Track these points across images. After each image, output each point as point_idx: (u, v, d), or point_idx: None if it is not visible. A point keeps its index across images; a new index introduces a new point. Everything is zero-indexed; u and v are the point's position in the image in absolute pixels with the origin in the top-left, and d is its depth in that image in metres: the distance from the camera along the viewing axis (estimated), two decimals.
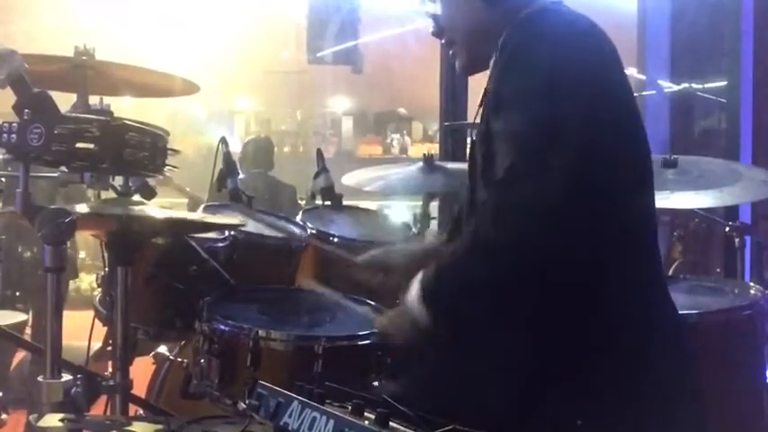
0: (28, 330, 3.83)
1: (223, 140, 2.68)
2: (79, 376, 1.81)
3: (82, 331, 2.29)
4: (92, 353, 2.41)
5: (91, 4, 8.18)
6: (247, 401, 1.28)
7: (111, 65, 2.71)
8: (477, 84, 1.77)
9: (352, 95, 11.73)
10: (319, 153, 2.92)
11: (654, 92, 6.76)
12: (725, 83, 5.56)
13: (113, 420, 1.67)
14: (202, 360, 1.95)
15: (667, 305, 1.63)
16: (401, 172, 3.01)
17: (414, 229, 2.90)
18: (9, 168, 1.75)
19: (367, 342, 1.94)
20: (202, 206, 2.80)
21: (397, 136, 11.81)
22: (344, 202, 2.88)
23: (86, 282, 8.09)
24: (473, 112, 1.75)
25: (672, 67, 6.75)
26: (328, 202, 2.84)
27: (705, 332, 2.07)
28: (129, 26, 8.20)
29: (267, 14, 9.13)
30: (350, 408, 1.14)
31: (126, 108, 2.19)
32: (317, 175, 2.85)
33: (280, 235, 2.50)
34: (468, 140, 2.71)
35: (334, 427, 1.11)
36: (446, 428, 1.13)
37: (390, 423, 1.09)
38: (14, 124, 1.63)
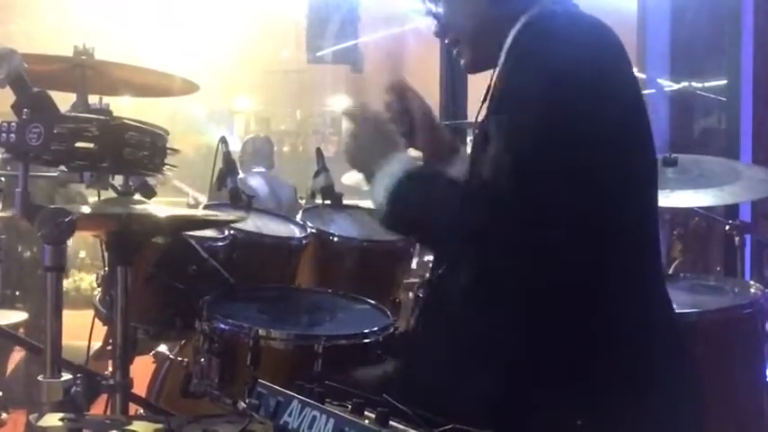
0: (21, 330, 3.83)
1: (223, 140, 2.68)
2: (79, 376, 1.80)
3: (82, 331, 2.29)
4: (92, 352, 2.40)
5: (91, 4, 8.19)
6: (247, 400, 1.28)
7: (110, 65, 2.70)
8: (478, 83, 1.77)
9: (352, 95, 11.75)
10: (319, 152, 2.92)
11: (654, 91, 6.77)
12: (725, 82, 5.56)
13: (113, 420, 1.66)
14: (202, 359, 1.95)
15: (667, 305, 1.63)
16: None
17: None
18: (8, 168, 1.74)
19: (367, 341, 1.94)
20: (202, 206, 2.80)
21: None
22: (344, 202, 2.88)
23: (86, 281, 8.10)
24: (473, 112, 1.75)
25: (672, 66, 6.75)
26: (328, 202, 2.84)
27: (705, 331, 2.07)
28: (129, 26, 8.21)
29: (267, 14, 9.14)
30: (350, 407, 1.14)
31: (126, 108, 2.19)
32: (316, 175, 2.84)
33: (279, 234, 2.50)
34: (468, 139, 2.70)
35: (335, 427, 1.11)
36: (446, 428, 1.13)
37: (390, 422, 1.09)
38: (13, 124, 1.63)
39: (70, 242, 1.70)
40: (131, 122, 1.77)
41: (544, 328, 1.46)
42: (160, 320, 2.29)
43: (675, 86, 6.80)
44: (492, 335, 1.49)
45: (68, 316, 1.72)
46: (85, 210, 1.80)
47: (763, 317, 2.14)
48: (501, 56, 1.59)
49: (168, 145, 1.89)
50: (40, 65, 2.61)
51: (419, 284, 2.16)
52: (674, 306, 2.00)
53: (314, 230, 2.57)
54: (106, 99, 1.92)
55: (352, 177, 3.02)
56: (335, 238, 2.59)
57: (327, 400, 1.18)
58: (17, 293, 4.14)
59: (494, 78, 1.63)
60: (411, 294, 2.34)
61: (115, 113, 1.82)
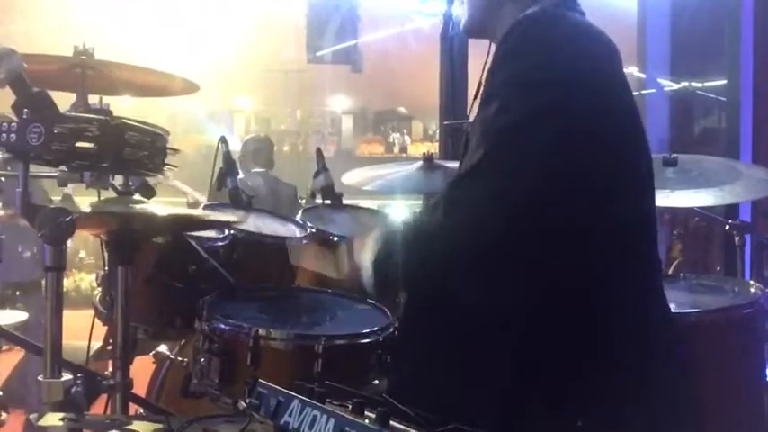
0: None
1: (223, 140, 2.68)
2: (79, 375, 1.80)
3: (82, 331, 2.29)
4: (92, 352, 2.40)
5: (91, 5, 8.19)
6: (248, 400, 1.28)
7: (110, 64, 2.70)
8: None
9: (352, 94, 11.75)
10: (319, 152, 2.92)
11: (654, 90, 6.77)
12: (725, 82, 5.57)
13: (113, 419, 1.66)
14: (202, 359, 1.95)
15: (664, 308, 1.63)
16: (401, 171, 3.01)
17: None
18: (9, 168, 1.74)
19: (367, 341, 1.94)
20: (202, 206, 2.80)
21: (397, 135, 11.82)
22: (344, 202, 2.88)
23: (86, 281, 8.10)
24: (474, 112, 1.76)
25: (672, 66, 6.75)
26: (328, 202, 2.84)
27: (705, 331, 2.07)
28: (129, 26, 8.21)
29: (267, 14, 9.13)
30: (350, 406, 1.14)
31: (126, 108, 2.18)
32: (316, 175, 2.84)
33: (279, 234, 2.50)
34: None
35: (335, 426, 1.11)
36: (446, 428, 1.13)
37: (391, 422, 1.09)
38: (14, 124, 1.63)
39: (70, 242, 1.70)
40: (131, 122, 1.76)
41: (543, 329, 1.46)
42: (160, 320, 2.29)
43: (675, 86, 6.81)
44: (491, 335, 1.49)
45: (68, 316, 1.72)
46: (85, 210, 1.80)
47: (763, 317, 2.14)
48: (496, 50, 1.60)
49: (168, 145, 1.89)
50: (40, 65, 2.62)
51: None
52: (674, 306, 2.00)
53: (314, 230, 2.57)
54: (106, 99, 1.92)
55: (352, 177, 3.02)
56: (335, 238, 2.59)
57: (328, 399, 1.18)
58: (17, 293, 4.14)
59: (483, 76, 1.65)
60: None
61: (115, 113, 1.82)
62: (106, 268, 2.23)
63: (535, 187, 1.36)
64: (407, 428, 1.10)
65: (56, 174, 1.74)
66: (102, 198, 1.96)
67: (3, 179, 2.02)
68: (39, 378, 1.68)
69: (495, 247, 1.39)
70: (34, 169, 1.71)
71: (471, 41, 1.75)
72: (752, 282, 2.39)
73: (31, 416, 1.61)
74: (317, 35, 7.39)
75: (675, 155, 2.63)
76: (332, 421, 1.11)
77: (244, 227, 2.37)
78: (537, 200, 1.36)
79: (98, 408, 2.04)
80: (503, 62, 1.50)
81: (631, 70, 7.28)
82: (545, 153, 1.36)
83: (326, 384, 1.25)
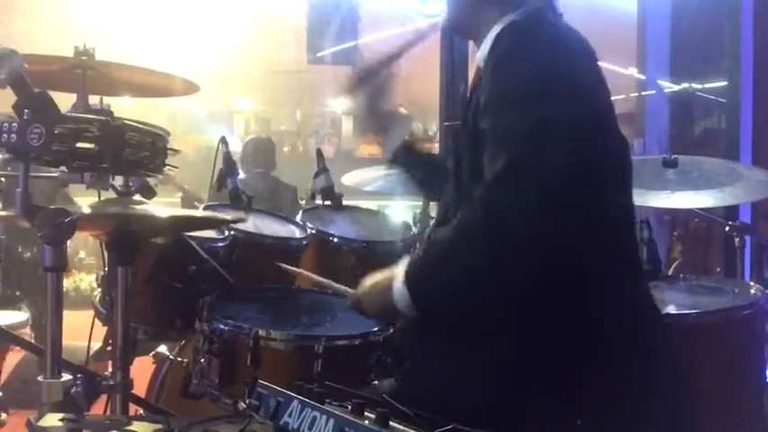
0: (27, 330, 3.83)
1: (223, 140, 2.68)
2: (79, 376, 1.80)
3: (82, 331, 2.29)
4: (92, 353, 2.40)
5: (91, 5, 8.19)
6: (247, 401, 1.28)
7: (110, 65, 2.71)
8: None
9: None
10: (319, 153, 2.92)
11: (654, 92, 6.78)
12: (725, 83, 5.57)
13: (113, 420, 1.66)
14: (202, 359, 1.96)
15: (655, 307, 1.64)
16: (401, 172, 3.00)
17: (414, 229, 2.90)
18: (9, 168, 1.74)
19: (367, 342, 1.94)
20: (202, 206, 2.80)
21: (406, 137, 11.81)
22: (344, 202, 2.88)
23: (86, 282, 8.09)
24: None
25: (672, 67, 6.76)
26: (328, 202, 2.85)
27: (705, 332, 2.07)
28: (130, 26, 8.21)
29: (267, 14, 9.13)
30: (350, 407, 1.14)
31: (126, 108, 2.19)
32: (316, 175, 2.84)
33: (279, 235, 2.50)
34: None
35: (335, 427, 1.11)
36: (446, 428, 1.13)
37: (390, 423, 1.09)
38: (14, 124, 1.63)
39: (70, 242, 1.70)
40: (132, 123, 1.77)
41: (542, 329, 1.46)
42: (160, 321, 2.29)
43: (676, 88, 6.81)
44: (490, 335, 1.49)
45: (68, 316, 1.72)
46: (85, 210, 1.80)
47: (763, 318, 2.14)
48: (483, 48, 1.62)
49: (168, 145, 1.89)
50: (41, 65, 2.62)
51: None
52: (675, 307, 2.01)
53: (314, 231, 2.57)
54: (106, 99, 1.92)
55: (352, 178, 3.03)
56: (335, 239, 2.59)
57: (327, 400, 1.19)
58: (17, 293, 4.14)
59: (475, 76, 1.66)
60: None
61: (116, 114, 1.82)
62: (106, 269, 2.23)
63: (559, 190, 1.37)
64: (407, 429, 1.10)
65: (56, 174, 1.74)
66: (102, 198, 1.96)
67: (2, 179, 2.03)
68: (39, 378, 1.68)
69: (528, 255, 1.40)
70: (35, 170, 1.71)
71: (472, 42, 1.76)
72: (752, 283, 2.39)
73: (31, 416, 1.61)
74: (317, 36, 7.39)
75: (675, 156, 2.63)
76: (331, 422, 1.11)
77: (244, 227, 2.37)
78: (560, 202, 1.37)
79: (98, 408, 2.04)
80: (500, 69, 1.51)
81: (631, 71, 7.29)
82: (563, 156, 1.37)
83: (326, 385, 1.25)
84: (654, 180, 2.61)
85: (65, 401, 1.69)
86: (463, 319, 1.52)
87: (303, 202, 4.81)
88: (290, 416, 1.18)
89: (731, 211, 3.88)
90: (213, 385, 1.92)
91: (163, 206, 1.97)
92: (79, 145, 1.66)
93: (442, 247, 1.47)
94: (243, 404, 1.64)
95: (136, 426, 1.53)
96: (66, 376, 1.74)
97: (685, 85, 6.70)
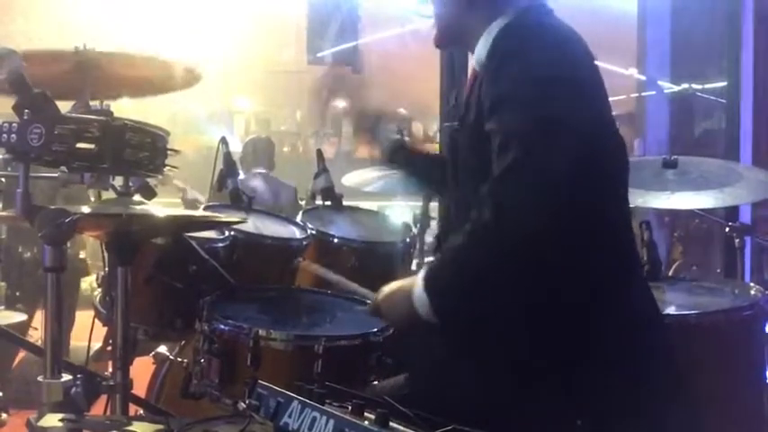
0: (31, 332, 3.83)
1: (223, 140, 2.67)
2: (79, 376, 1.80)
3: (82, 331, 2.29)
4: (92, 353, 2.40)
5: (91, 5, 8.18)
6: (247, 401, 1.28)
7: (111, 55, 2.68)
8: None
9: (352, 96, 11.74)
10: (319, 153, 2.92)
11: (654, 92, 6.77)
12: (725, 83, 5.56)
13: (113, 420, 1.67)
14: (202, 360, 1.96)
15: (655, 307, 1.64)
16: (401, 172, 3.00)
17: (414, 229, 2.90)
18: (9, 168, 1.74)
19: (367, 342, 1.94)
20: (202, 207, 2.80)
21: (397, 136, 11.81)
22: (345, 203, 2.88)
23: (86, 282, 8.08)
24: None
25: (672, 68, 6.75)
26: (328, 203, 2.85)
27: (705, 332, 2.06)
28: (130, 26, 8.21)
29: (267, 14, 9.13)
30: (350, 408, 1.14)
31: (126, 108, 2.19)
32: (317, 176, 2.84)
33: (280, 235, 2.50)
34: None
35: (334, 427, 1.11)
36: (446, 428, 1.13)
37: (390, 423, 1.09)
38: (14, 124, 1.63)
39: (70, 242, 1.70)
40: (132, 123, 1.77)
41: (542, 329, 1.46)
42: (160, 321, 2.29)
43: (676, 88, 6.81)
44: (491, 336, 1.49)
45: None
46: (85, 210, 1.80)
47: (763, 318, 2.14)
48: (479, 50, 1.62)
49: (169, 146, 1.90)
50: (41, 65, 2.62)
51: None
52: (675, 308, 2.01)
53: (314, 231, 2.57)
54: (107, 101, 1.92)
55: (352, 178, 3.03)
56: (335, 240, 2.59)
57: (327, 400, 1.19)
58: (17, 294, 4.13)
59: (471, 78, 1.67)
60: None
61: (116, 114, 1.82)
62: (106, 269, 2.23)
63: (566, 186, 1.37)
64: (407, 429, 1.10)
65: (56, 174, 1.74)
66: (102, 199, 1.96)
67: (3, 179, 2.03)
68: (39, 378, 1.68)
69: (537, 251, 1.40)
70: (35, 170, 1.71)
71: None
72: (752, 284, 2.39)
73: (31, 417, 1.61)
74: (317, 36, 7.37)
75: (675, 157, 2.63)
76: (331, 422, 1.11)
77: (244, 228, 2.37)
78: (567, 199, 1.37)
79: (98, 408, 2.04)
80: (503, 70, 1.51)
81: (631, 72, 7.28)
82: (569, 153, 1.38)
83: (326, 385, 1.25)
84: (654, 181, 2.61)
85: (65, 401, 1.69)
86: (478, 322, 1.52)
87: (303, 203, 4.81)
88: (290, 416, 1.18)
89: (731, 212, 3.87)
90: (213, 385, 1.92)
91: (164, 206, 1.97)
92: (79, 145, 1.66)
93: (457, 252, 1.48)
94: (243, 404, 1.65)
95: (136, 426, 1.53)
96: (67, 376, 1.74)
97: (685, 85, 6.69)
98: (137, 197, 1.95)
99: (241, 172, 4.38)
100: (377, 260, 2.61)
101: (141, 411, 2.34)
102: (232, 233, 2.35)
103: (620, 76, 7.36)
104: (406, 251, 2.70)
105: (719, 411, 1.96)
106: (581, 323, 1.47)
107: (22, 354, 4.07)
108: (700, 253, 5.99)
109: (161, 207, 1.92)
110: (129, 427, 1.52)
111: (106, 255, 2.12)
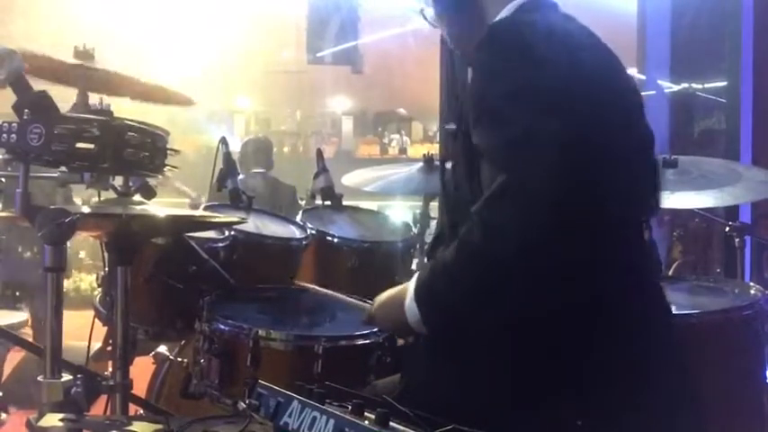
0: (27, 330, 3.83)
1: (223, 140, 2.68)
2: (79, 376, 1.80)
3: (82, 331, 2.29)
4: (92, 353, 2.40)
5: (91, 5, 8.19)
6: (247, 401, 1.28)
7: (110, 73, 2.68)
8: None
9: (352, 95, 11.74)
10: (319, 153, 2.92)
11: (654, 92, 6.76)
12: (725, 83, 5.56)
13: (113, 420, 1.67)
14: (202, 360, 1.96)
15: (664, 307, 1.63)
16: (401, 172, 3.01)
17: (414, 229, 2.90)
18: (9, 168, 1.74)
19: (367, 342, 1.94)
20: (202, 206, 2.80)
21: (397, 136, 11.82)
22: (344, 203, 2.88)
23: (86, 282, 8.09)
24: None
25: (672, 67, 6.74)
26: (328, 203, 2.85)
27: (705, 332, 2.07)
28: (130, 27, 8.21)
29: (267, 14, 9.13)
30: (350, 407, 1.14)
31: (126, 108, 2.18)
32: (316, 176, 2.85)
33: (280, 235, 2.50)
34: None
35: (335, 427, 1.11)
36: (446, 428, 1.13)
37: (390, 423, 1.09)
38: (14, 124, 1.63)
39: (70, 242, 1.70)
40: (132, 123, 1.77)
41: (542, 329, 1.46)
42: (160, 321, 2.29)
43: (675, 88, 6.80)
44: (491, 338, 1.49)
45: (68, 316, 1.72)
46: (85, 210, 1.80)
47: (763, 318, 2.14)
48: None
49: (168, 145, 1.89)
50: (40, 65, 2.61)
51: None
52: (675, 307, 2.00)
53: (314, 231, 2.57)
54: (106, 99, 1.92)
55: (352, 178, 3.03)
56: (335, 239, 2.60)
57: (327, 400, 1.18)
58: (17, 294, 4.14)
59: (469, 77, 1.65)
60: None
61: (116, 114, 1.82)
62: (106, 269, 2.23)
63: (553, 206, 1.35)
64: (407, 429, 1.10)
65: (56, 174, 1.74)
66: (102, 199, 1.96)
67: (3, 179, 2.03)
68: (39, 378, 1.69)
69: (532, 265, 1.39)
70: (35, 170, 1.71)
71: None
72: (752, 283, 2.39)
73: (31, 416, 1.61)
74: (317, 36, 7.39)
75: (675, 156, 2.63)
76: (331, 422, 1.11)
77: (244, 228, 2.37)
78: (557, 215, 1.35)
79: (98, 408, 2.04)
80: (477, 83, 1.49)
81: (631, 71, 7.27)
82: (552, 169, 1.35)
83: (326, 385, 1.25)
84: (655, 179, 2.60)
85: (65, 401, 1.69)
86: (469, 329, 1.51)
87: (303, 203, 4.81)
88: (290, 416, 1.18)
89: (731, 212, 3.88)
90: (213, 385, 1.92)
91: (164, 207, 1.97)
92: (79, 145, 1.66)
93: (445, 268, 1.47)
94: (243, 404, 1.65)
95: (136, 426, 1.53)
96: (67, 376, 1.74)
97: (685, 85, 6.68)
98: (137, 197, 1.95)
99: (240, 172, 4.39)
100: (377, 260, 2.61)
101: (141, 411, 2.35)
102: (232, 233, 2.35)
103: None
104: (406, 251, 2.70)
105: (720, 411, 1.96)
106: (583, 326, 1.46)
107: (22, 354, 4.07)
108: (700, 252, 5.98)
109: (161, 207, 1.92)
110: (129, 427, 1.52)
111: (106, 255, 2.12)
